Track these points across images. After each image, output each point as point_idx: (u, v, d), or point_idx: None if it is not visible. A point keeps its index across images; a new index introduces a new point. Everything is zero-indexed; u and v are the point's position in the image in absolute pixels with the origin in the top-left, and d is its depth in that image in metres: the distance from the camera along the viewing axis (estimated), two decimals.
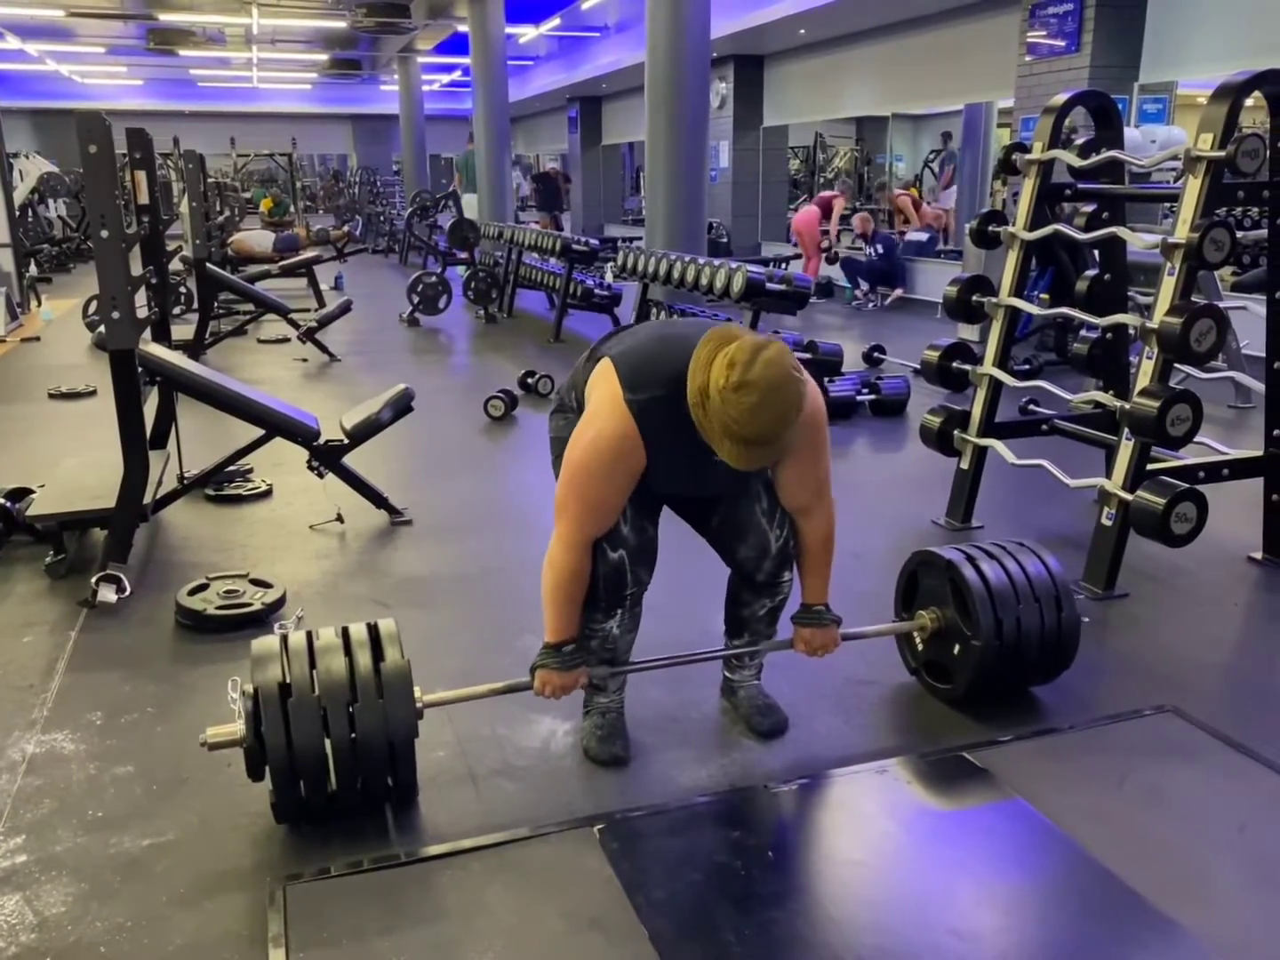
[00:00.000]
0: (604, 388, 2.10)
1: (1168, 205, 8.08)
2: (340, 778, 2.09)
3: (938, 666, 2.67)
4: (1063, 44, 8.07)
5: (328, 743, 2.05)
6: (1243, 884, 1.99)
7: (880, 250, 10.24)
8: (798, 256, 11.18)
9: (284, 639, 2.16)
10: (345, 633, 2.19)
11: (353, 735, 2.05)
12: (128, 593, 3.27)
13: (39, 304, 10.14)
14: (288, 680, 2.07)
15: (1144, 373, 3.21)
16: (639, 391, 2.04)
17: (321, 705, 2.05)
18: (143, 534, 3.74)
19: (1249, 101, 3.15)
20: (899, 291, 10.17)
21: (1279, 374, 3.50)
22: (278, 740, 2.02)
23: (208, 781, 2.32)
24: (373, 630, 2.21)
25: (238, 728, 2.07)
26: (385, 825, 2.17)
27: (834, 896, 1.98)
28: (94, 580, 3.25)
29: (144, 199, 4.21)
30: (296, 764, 2.04)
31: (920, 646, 2.71)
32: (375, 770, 2.10)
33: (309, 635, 2.17)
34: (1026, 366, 6.42)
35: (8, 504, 3.73)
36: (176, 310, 8.96)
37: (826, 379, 5.74)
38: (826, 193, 11.92)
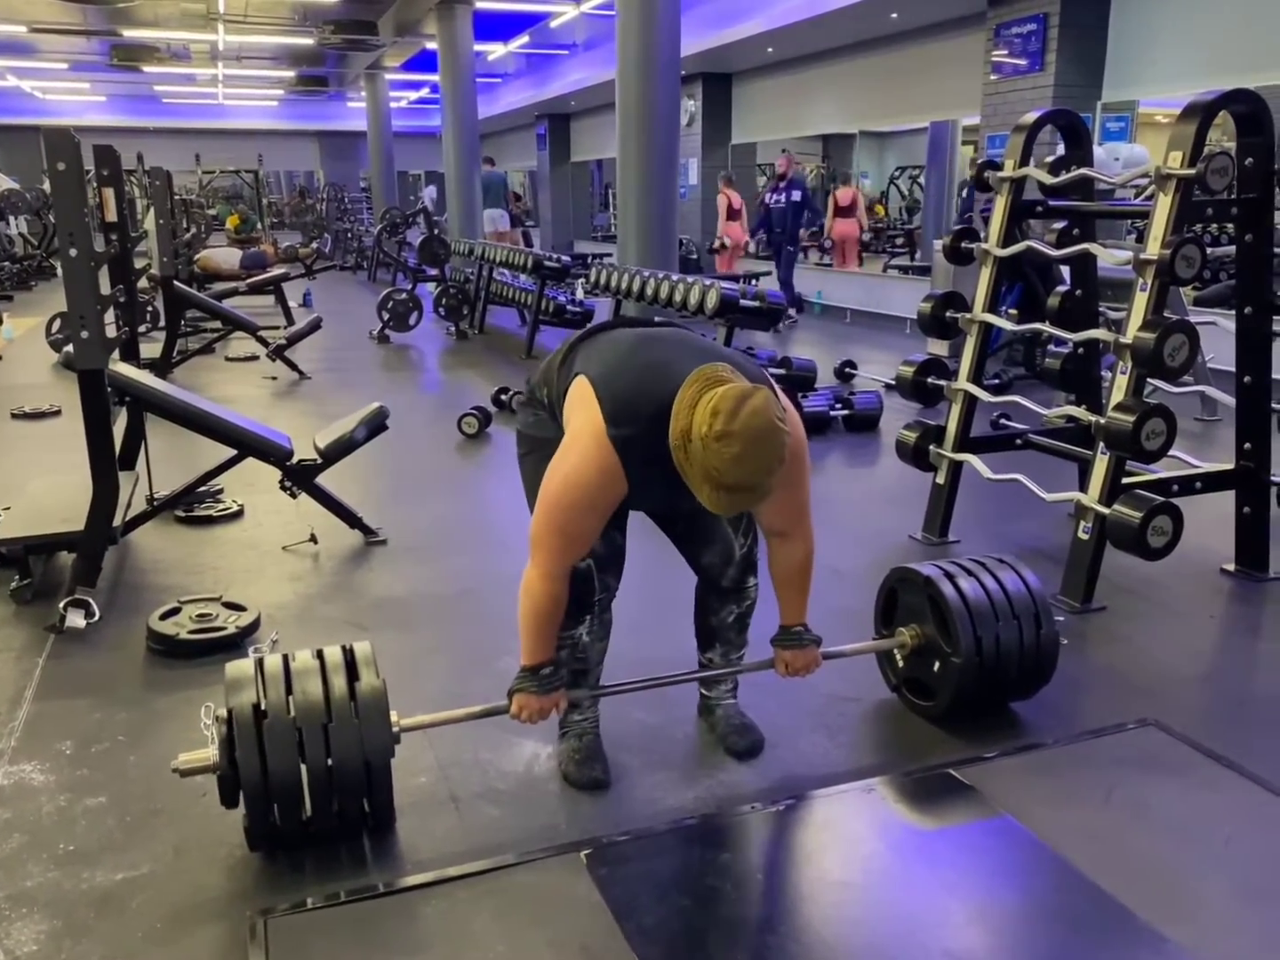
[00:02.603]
0: (584, 416, 2.04)
1: (1130, 221, 8.23)
2: (315, 802, 2.04)
3: (918, 684, 2.67)
4: (1026, 63, 8.20)
5: (303, 767, 2.01)
6: (1230, 898, 1.99)
7: (800, 195, 10.37)
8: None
9: (258, 662, 2.12)
10: (320, 656, 2.15)
11: (328, 759, 2.01)
12: (97, 618, 3.20)
13: (0, 322, 9.97)
14: (262, 704, 2.03)
15: (1118, 387, 3.24)
16: (622, 426, 1.99)
17: (296, 728, 2.01)
18: (112, 557, 3.67)
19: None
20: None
21: (1248, 388, 3.55)
22: (251, 764, 1.98)
23: (182, 812, 2.26)
24: (348, 653, 2.17)
25: (210, 753, 2.03)
26: (364, 854, 2.13)
27: (825, 918, 1.96)
28: (62, 605, 3.18)
29: (112, 217, 4.15)
30: (271, 789, 1.99)
31: (901, 664, 2.71)
32: (351, 795, 2.06)
33: (284, 658, 2.13)
34: (996, 381, 6.48)
35: None
36: (143, 328, 8.84)
37: (800, 394, 5.76)
38: (731, 194, 11.76)
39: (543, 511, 2.07)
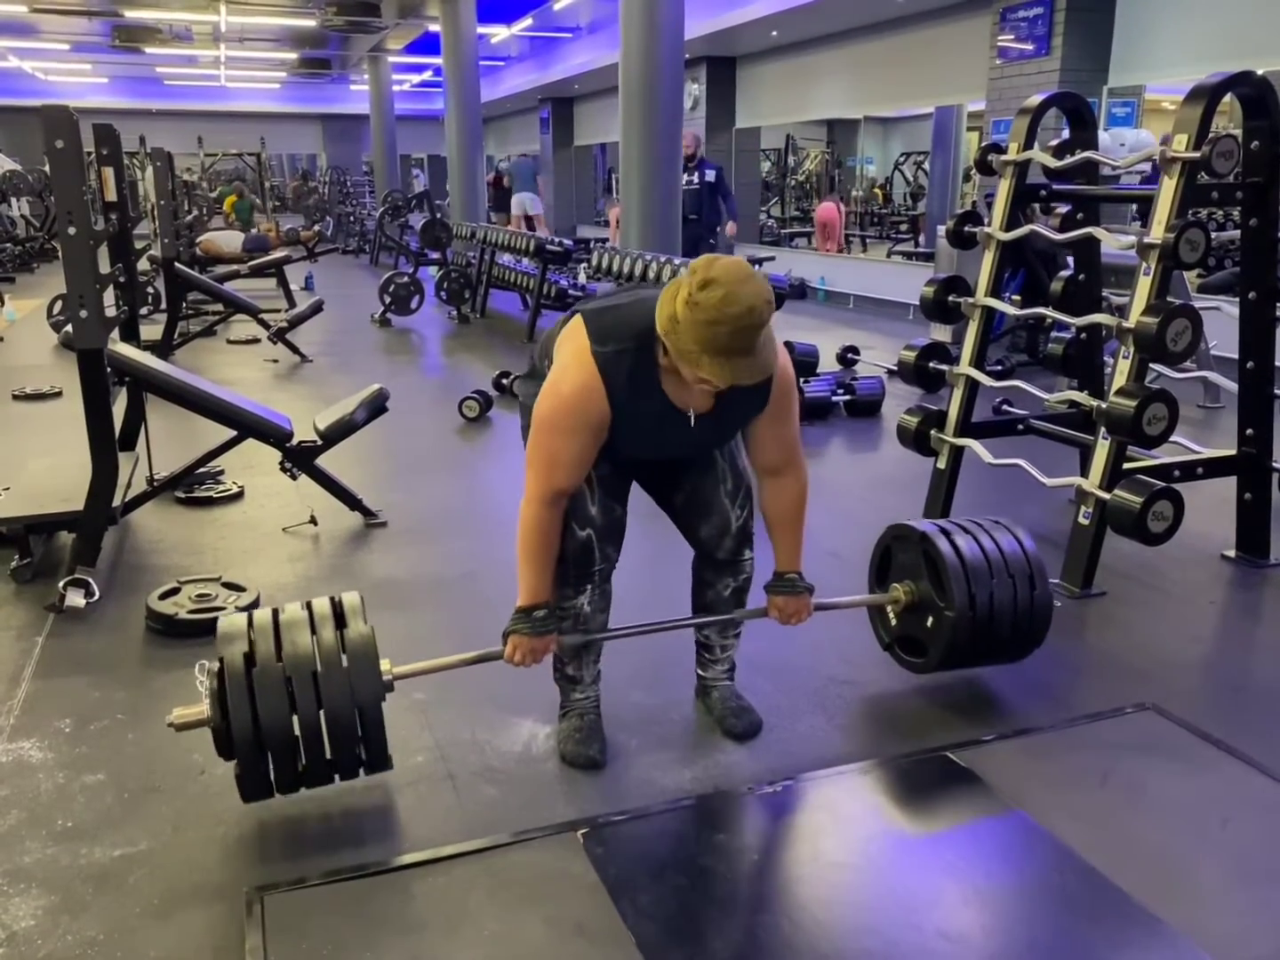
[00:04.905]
0: (572, 344, 2.10)
1: (1134, 207, 8.20)
2: (309, 750, 2.05)
3: (911, 641, 2.68)
4: (1032, 47, 8.14)
5: (294, 715, 2.02)
6: (1226, 880, 1.99)
7: (714, 175, 9.70)
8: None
9: (249, 617, 2.13)
10: (309, 607, 2.16)
11: (319, 707, 2.02)
12: (96, 597, 3.20)
13: (1, 304, 9.96)
14: (252, 654, 2.04)
15: (1120, 372, 3.23)
16: (606, 344, 2.04)
17: (286, 676, 2.02)
18: (111, 537, 3.67)
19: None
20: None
21: (1251, 374, 3.54)
22: (242, 713, 1.99)
23: (180, 789, 2.27)
24: (336, 604, 2.18)
25: (204, 708, 2.04)
26: (361, 832, 2.14)
27: (820, 899, 1.96)
28: (62, 585, 3.18)
29: (111, 196, 4.13)
30: (263, 737, 2.00)
31: (894, 621, 2.71)
32: (344, 741, 2.06)
33: (274, 611, 2.14)
34: (999, 367, 6.45)
35: None
36: (144, 310, 8.83)
37: (802, 379, 5.74)
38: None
39: (531, 433, 2.13)
